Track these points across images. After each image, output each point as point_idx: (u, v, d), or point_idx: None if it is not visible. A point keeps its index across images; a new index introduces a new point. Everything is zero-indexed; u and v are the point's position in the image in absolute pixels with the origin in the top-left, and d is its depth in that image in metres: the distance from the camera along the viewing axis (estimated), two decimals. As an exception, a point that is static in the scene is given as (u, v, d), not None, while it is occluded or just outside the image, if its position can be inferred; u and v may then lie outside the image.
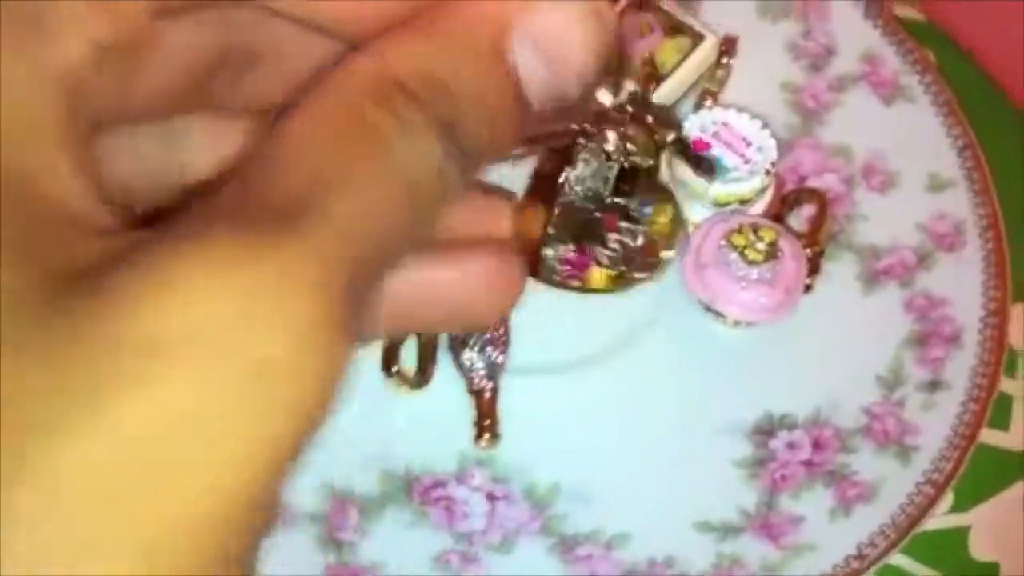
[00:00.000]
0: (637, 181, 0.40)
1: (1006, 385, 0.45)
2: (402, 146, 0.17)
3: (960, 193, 0.45)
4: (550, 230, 0.36)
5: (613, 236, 0.35)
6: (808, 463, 0.41)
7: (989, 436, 0.44)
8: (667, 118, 0.43)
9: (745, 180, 0.44)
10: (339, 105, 0.17)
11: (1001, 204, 0.45)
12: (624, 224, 0.39)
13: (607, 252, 0.39)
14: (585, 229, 0.40)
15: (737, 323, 0.43)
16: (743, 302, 0.42)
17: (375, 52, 0.17)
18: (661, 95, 0.46)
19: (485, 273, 0.21)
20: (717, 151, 0.44)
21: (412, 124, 0.17)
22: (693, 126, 0.44)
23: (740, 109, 0.45)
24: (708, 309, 0.42)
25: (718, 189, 0.43)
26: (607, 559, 0.38)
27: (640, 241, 0.40)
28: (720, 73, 0.47)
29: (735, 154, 0.44)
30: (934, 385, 0.41)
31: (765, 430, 0.41)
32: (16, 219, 0.15)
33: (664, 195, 0.42)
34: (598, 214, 0.37)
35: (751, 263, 0.42)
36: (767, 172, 0.44)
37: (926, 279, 0.44)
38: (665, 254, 0.41)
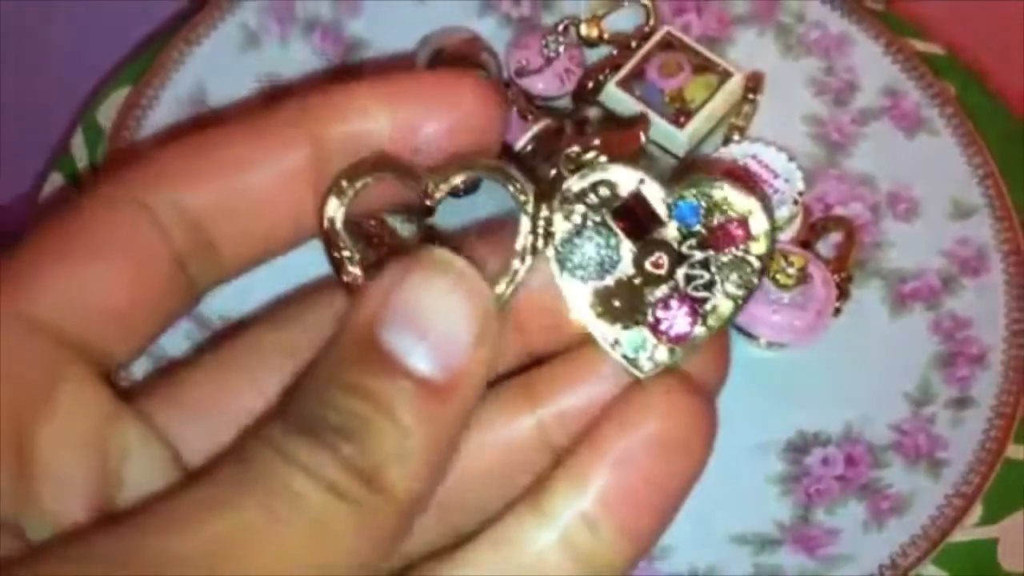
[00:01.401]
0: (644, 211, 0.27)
1: (1032, 403, 0.46)
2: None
3: (982, 219, 0.47)
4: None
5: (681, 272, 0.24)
6: (841, 478, 0.42)
7: (1017, 452, 0.45)
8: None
9: (774, 209, 0.46)
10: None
11: (1023, 229, 0.47)
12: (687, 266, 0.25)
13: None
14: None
15: (771, 345, 0.45)
16: (776, 324, 0.44)
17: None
18: (690, 131, 0.48)
19: None
20: (747, 182, 0.46)
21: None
22: (724, 158, 0.47)
23: (767, 143, 0.47)
24: (742, 332, 0.44)
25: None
26: (649, 569, 0.40)
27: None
28: (747, 109, 0.50)
29: (764, 185, 0.46)
30: (961, 403, 0.43)
31: (799, 447, 0.43)
32: None
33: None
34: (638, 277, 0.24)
35: (783, 287, 0.43)
36: (795, 202, 0.46)
37: (951, 302, 0.46)
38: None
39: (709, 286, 0.23)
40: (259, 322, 0.24)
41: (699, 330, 0.23)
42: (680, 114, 0.49)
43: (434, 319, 0.21)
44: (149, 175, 0.23)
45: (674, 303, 0.23)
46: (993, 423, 0.42)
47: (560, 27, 0.51)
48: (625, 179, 0.23)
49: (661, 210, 0.24)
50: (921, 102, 0.50)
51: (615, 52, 0.51)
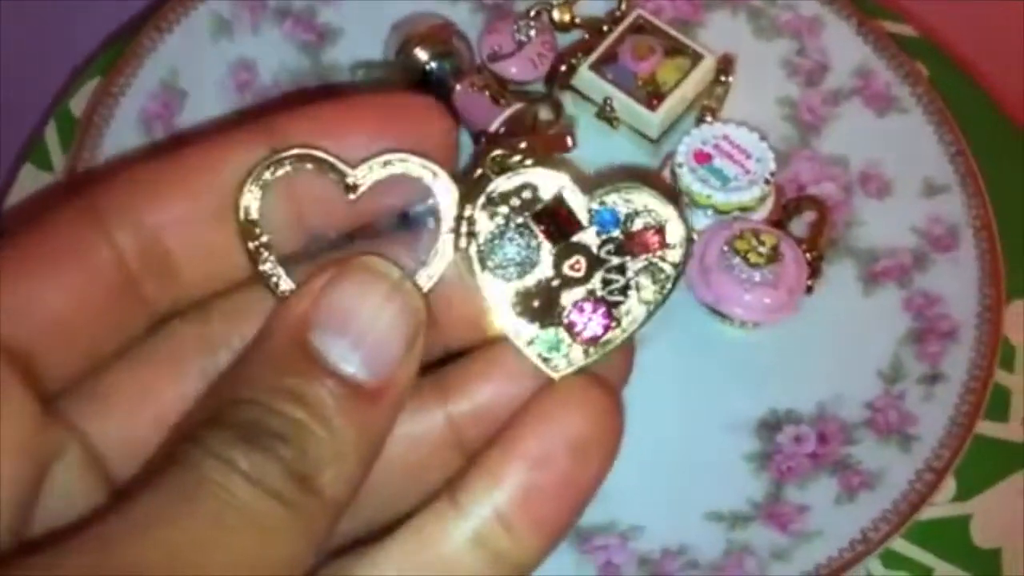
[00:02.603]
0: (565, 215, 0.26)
1: (1005, 379, 0.47)
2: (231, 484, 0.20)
3: (954, 197, 0.47)
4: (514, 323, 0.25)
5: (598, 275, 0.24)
6: (813, 455, 0.42)
7: (989, 428, 0.45)
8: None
9: (745, 189, 0.46)
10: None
11: (993, 206, 0.47)
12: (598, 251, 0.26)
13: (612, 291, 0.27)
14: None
15: (743, 324, 0.45)
16: (747, 303, 0.44)
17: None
18: (663, 113, 0.48)
19: None
20: (718, 162, 0.47)
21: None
22: (695, 140, 0.47)
23: (739, 123, 0.47)
24: (714, 311, 0.44)
25: (720, 197, 0.45)
26: (623, 549, 0.40)
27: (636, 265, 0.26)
28: (718, 91, 0.50)
29: (735, 165, 0.46)
30: (933, 378, 0.43)
31: (771, 425, 0.43)
32: None
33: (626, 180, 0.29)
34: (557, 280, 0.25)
35: (754, 266, 0.44)
36: (766, 181, 0.46)
37: (923, 279, 0.46)
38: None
39: (624, 290, 0.24)
40: (178, 316, 0.24)
41: (613, 333, 0.24)
42: (652, 97, 0.49)
43: (368, 326, 0.22)
44: (110, 192, 0.23)
45: (588, 306, 0.24)
46: (964, 398, 0.42)
47: (532, 12, 0.51)
48: (548, 183, 0.24)
49: (582, 215, 0.24)
50: (892, 81, 0.50)
51: (587, 36, 0.51)
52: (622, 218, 0.24)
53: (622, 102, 0.49)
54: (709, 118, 0.49)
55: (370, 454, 0.22)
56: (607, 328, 0.24)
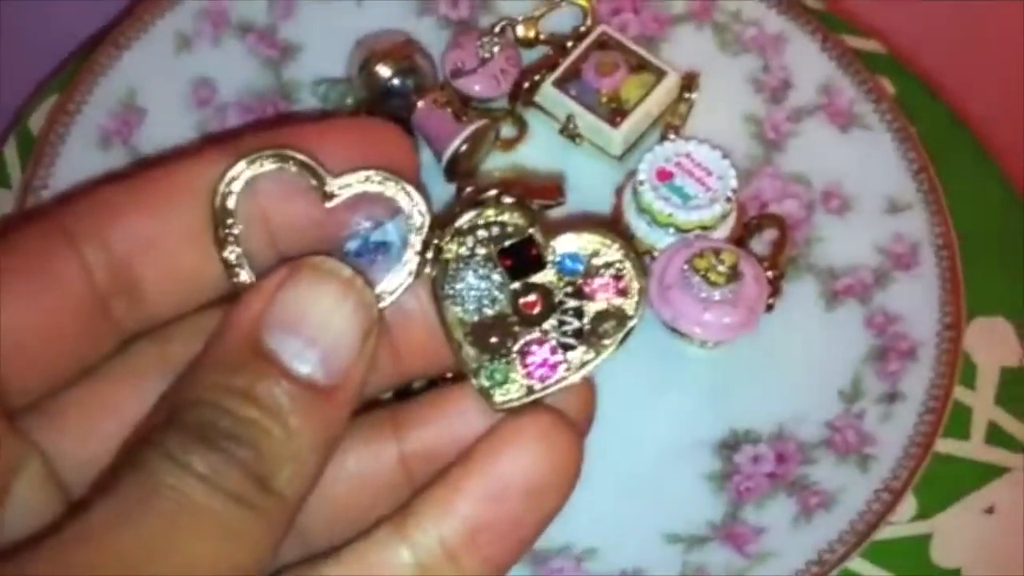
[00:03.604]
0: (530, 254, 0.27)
1: (965, 396, 0.46)
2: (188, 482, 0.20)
3: (916, 214, 0.47)
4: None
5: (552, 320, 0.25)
6: (771, 475, 0.42)
7: (950, 446, 0.45)
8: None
9: (706, 207, 0.46)
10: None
11: (955, 224, 0.47)
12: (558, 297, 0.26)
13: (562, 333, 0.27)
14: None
15: (703, 343, 0.45)
16: (706, 322, 0.43)
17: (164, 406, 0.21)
18: (625, 130, 0.48)
19: None
20: (680, 180, 0.46)
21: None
22: (657, 157, 0.47)
23: (701, 141, 0.47)
24: (673, 330, 0.44)
25: (681, 215, 0.45)
26: (578, 571, 0.40)
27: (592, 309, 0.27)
28: (682, 108, 0.50)
29: (697, 183, 0.46)
30: (892, 397, 0.43)
31: (730, 444, 0.43)
32: None
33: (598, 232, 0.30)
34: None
35: (713, 285, 0.43)
36: (727, 200, 0.46)
37: (884, 297, 0.46)
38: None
39: (578, 334, 0.24)
40: (141, 336, 0.24)
41: (561, 374, 0.24)
42: (616, 114, 0.49)
43: (321, 325, 0.22)
44: (77, 212, 0.23)
45: (539, 347, 0.25)
46: (923, 417, 0.42)
47: (496, 28, 0.51)
48: (518, 221, 0.25)
49: (546, 255, 0.25)
50: (856, 98, 0.50)
51: (551, 52, 0.51)
52: (584, 263, 0.25)
53: (585, 119, 0.49)
54: (672, 135, 0.49)
55: (326, 452, 0.22)
56: (555, 367, 0.24)
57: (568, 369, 0.24)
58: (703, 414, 0.44)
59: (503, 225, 0.25)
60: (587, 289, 0.25)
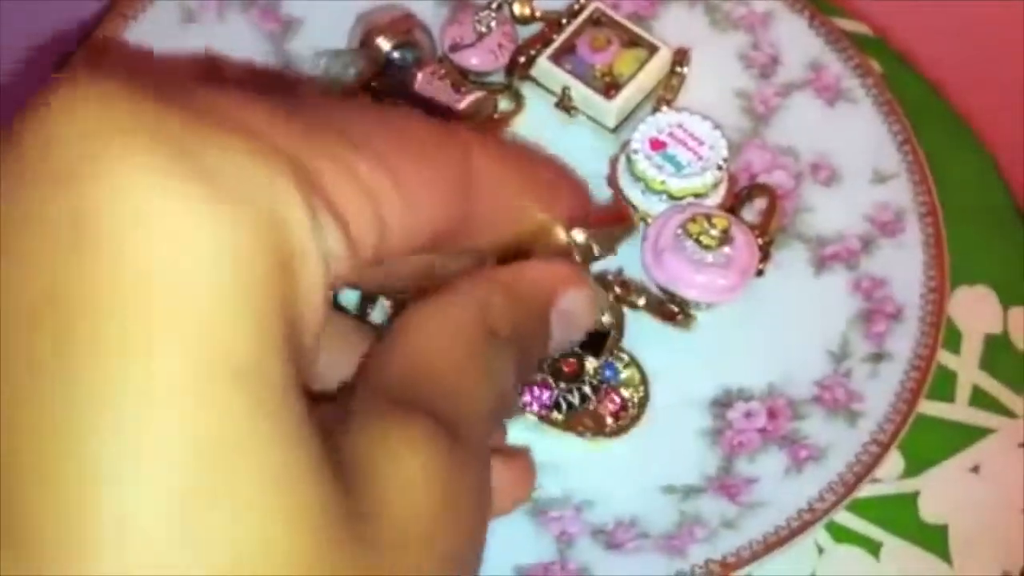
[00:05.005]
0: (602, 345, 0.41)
1: (950, 361, 0.48)
2: (496, 364, 0.23)
3: (901, 184, 0.49)
4: None
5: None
6: (763, 430, 0.43)
7: (936, 408, 0.47)
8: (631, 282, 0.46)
9: (698, 175, 0.47)
10: (456, 319, 0.23)
11: (939, 193, 0.49)
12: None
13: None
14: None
15: (696, 305, 0.46)
16: (700, 284, 0.45)
17: (480, 303, 0.24)
18: (619, 102, 0.50)
19: None
20: (672, 149, 0.48)
21: (503, 350, 0.23)
22: (650, 128, 0.48)
23: (692, 112, 0.48)
24: (667, 292, 0.46)
25: (674, 182, 0.47)
26: (577, 520, 0.41)
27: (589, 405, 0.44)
28: (674, 82, 0.51)
29: (689, 151, 0.48)
30: (878, 356, 0.44)
31: (723, 402, 0.44)
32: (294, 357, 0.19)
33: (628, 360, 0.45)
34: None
35: (706, 248, 0.45)
36: (719, 168, 0.47)
37: (870, 263, 0.47)
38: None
39: (570, 405, 0.43)
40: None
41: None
42: (610, 87, 0.50)
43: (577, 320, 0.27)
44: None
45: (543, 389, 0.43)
46: (908, 375, 0.44)
47: (493, 5, 0.52)
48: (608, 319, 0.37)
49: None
50: (843, 73, 0.51)
51: (546, 29, 0.52)
52: (615, 381, 0.43)
53: (580, 92, 0.50)
54: (664, 108, 0.50)
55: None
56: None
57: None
58: (698, 373, 0.45)
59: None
60: (600, 394, 0.43)
